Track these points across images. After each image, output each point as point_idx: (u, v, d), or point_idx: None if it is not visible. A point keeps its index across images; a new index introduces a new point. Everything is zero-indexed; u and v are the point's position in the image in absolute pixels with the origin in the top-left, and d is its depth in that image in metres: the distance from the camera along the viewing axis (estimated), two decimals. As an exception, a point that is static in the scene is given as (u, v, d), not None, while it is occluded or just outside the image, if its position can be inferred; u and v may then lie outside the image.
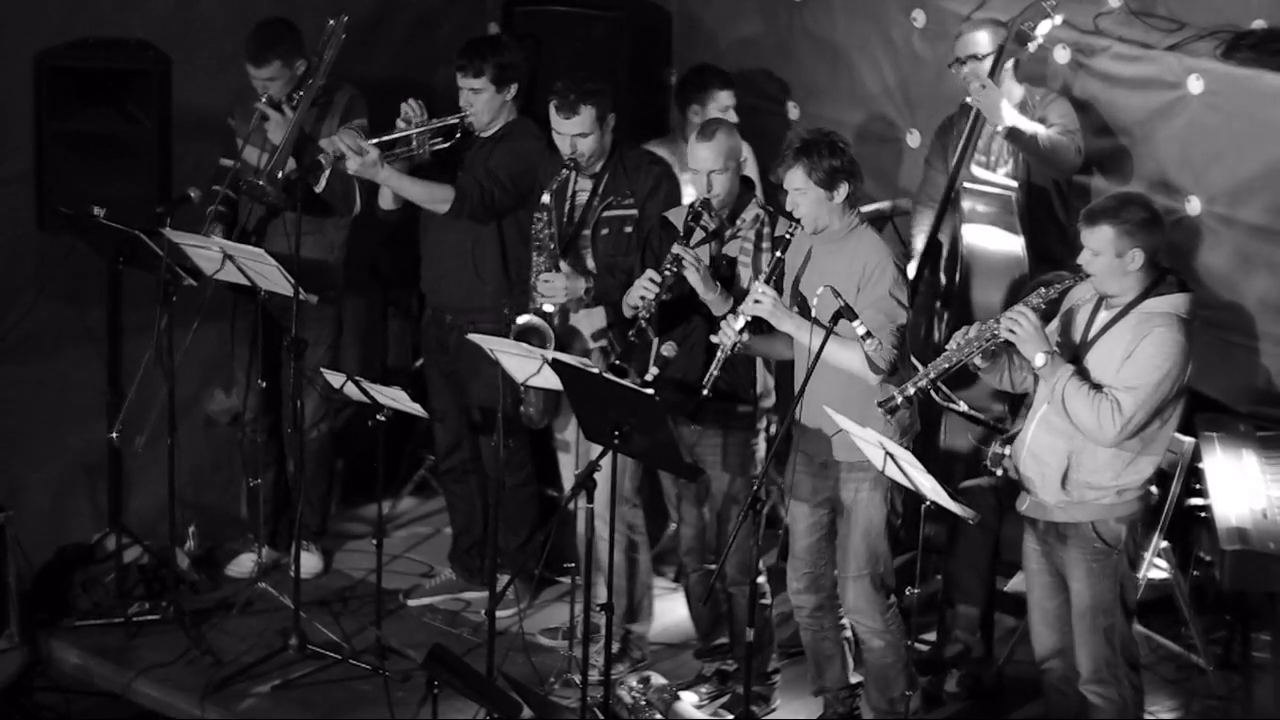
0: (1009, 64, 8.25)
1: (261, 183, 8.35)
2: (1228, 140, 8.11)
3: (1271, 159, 8.01)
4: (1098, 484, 6.99)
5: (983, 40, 8.28)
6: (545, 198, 7.96)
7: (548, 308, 8.03)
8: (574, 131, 7.95)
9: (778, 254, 7.35)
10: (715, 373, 7.39)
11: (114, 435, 8.55)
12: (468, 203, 8.25)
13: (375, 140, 8.17)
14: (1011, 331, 6.91)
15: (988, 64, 8.23)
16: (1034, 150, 8.16)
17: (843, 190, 7.28)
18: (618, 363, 7.60)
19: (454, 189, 8.25)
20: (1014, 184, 8.35)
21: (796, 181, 7.27)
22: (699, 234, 7.64)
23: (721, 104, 8.70)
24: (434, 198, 8.28)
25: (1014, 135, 8.12)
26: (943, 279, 8.49)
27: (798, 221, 7.29)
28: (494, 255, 8.39)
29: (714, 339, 7.41)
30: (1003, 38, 8.21)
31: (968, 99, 8.25)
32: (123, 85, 8.46)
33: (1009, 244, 8.36)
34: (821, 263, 7.40)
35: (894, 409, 7.00)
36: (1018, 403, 7.86)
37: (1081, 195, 8.24)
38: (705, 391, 7.41)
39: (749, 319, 7.29)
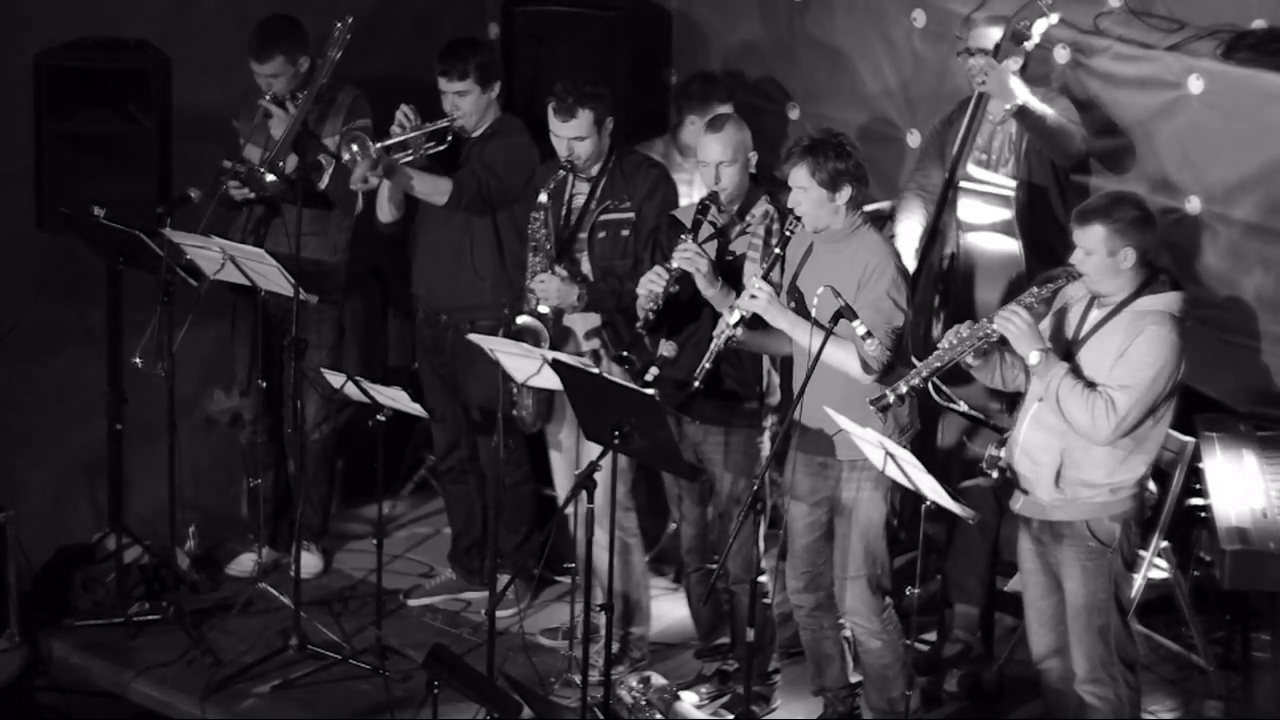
0: (1014, 65, 8.24)
1: (261, 170, 8.35)
2: (1228, 140, 8.11)
3: (1271, 159, 8.01)
4: (1091, 481, 6.98)
5: (997, 37, 8.24)
6: (542, 197, 7.95)
7: (543, 309, 8.01)
8: (571, 134, 7.93)
9: (776, 250, 7.35)
10: (707, 365, 7.37)
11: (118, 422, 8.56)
12: (465, 194, 8.25)
13: (379, 145, 8.17)
14: (1005, 330, 6.91)
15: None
16: (1042, 130, 8.11)
17: (845, 193, 7.27)
18: (625, 354, 7.58)
19: (451, 180, 8.25)
20: (1013, 183, 8.33)
21: (800, 180, 7.26)
22: (706, 229, 7.64)
23: None
24: (434, 190, 8.27)
25: (1023, 114, 8.07)
26: (943, 264, 8.49)
27: (798, 219, 7.30)
28: (491, 252, 8.38)
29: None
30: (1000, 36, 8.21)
31: (980, 90, 8.19)
32: (123, 85, 8.46)
33: (1007, 243, 8.35)
34: (822, 261, 7.40)
35: (885, 406, 6.98)
36: (1015, 402, 7.86)
37: (1080, 194, 8.22)
38: (696, 384, 7.40)
39: (745, 314, 7.29)
